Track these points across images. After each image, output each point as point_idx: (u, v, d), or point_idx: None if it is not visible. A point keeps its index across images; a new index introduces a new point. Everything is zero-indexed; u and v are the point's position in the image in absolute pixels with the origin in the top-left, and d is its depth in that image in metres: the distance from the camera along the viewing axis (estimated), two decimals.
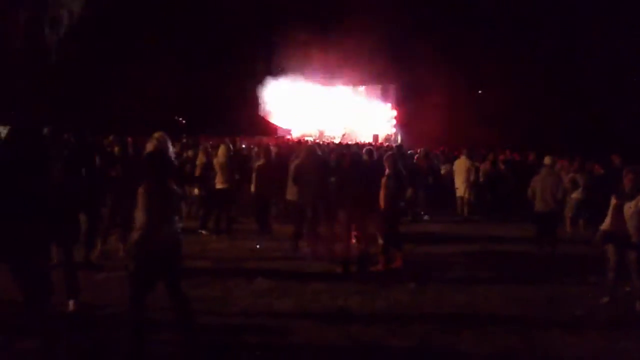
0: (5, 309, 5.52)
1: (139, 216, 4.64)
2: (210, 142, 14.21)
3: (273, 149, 12.39)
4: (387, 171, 8.64)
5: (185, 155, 12.62)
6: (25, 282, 4.45)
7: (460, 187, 13.78)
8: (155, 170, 4.79)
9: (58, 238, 5.79)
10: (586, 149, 16.14)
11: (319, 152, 9.82)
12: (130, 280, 4.72)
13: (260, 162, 10.73)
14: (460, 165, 13.86)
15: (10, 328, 5.26)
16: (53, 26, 29.06)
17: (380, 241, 9.16)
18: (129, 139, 9.54)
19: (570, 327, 6.08)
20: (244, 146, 14.98)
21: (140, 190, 4.67)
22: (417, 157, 14.09)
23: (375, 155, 10.16)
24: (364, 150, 10.26)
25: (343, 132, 36.72)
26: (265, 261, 8.64)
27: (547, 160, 9.82)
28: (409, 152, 16.44)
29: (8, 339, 5.08)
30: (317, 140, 27.78)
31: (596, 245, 7.15)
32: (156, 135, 6.67)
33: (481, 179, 14.08)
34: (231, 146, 11.16)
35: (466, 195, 13.69)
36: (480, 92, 32.30)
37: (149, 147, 6.68)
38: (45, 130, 7.19)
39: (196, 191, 11.38)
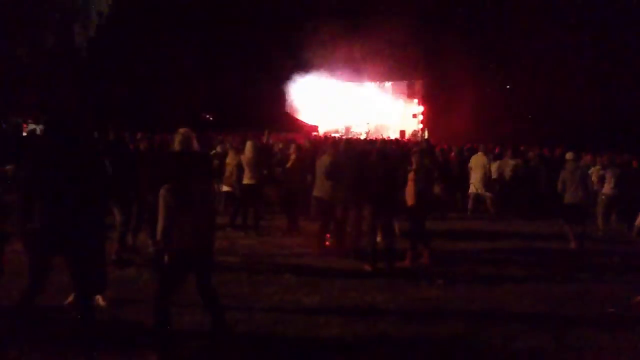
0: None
1: (160, 215, 4.69)
2: (231, 139, 14.30)
3: (303, 144, 12.42)
4: (413, 166, 8.63)
5: (214, 151, 12.76)
6: (82, 274, 4.58)
7: (475, 183, 13.37)
8: (181, 169, 4.82)
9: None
10: (617, 144, 15.87)
11: (355, 148, 9.75)
12: (158, 277, 4.79)
13: (291, 158, 10.76)
14: (477, 161, 13.57)
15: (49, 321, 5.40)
16: (83, 26, 29.54)
17: (399, 236, 9.17)
18: (157, 137, 9.68)
19: (603, 326, 5.98)
20: (271, 141, 14.98)
21: (162, 191, 4.69)
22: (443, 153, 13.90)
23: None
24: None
25: (367, 129, 36.64)
26: (294, 257, 8.69)
27: (568, 155, 10.50)
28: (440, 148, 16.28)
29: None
30: (344, 137, 27.76)
31: (635, 239, 7.03)
32: (181, 130, 6.74)
33: (508, 175, 13.84)
34: (257, 142, 11.20)
35: (483, 192, 13.33)
36: (508, 87, 31.90)
37: (175, 142, 6.75)
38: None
39: (224, 188, 11.47)
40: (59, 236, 4.51)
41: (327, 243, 9.22)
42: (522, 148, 16.66)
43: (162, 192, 4.69)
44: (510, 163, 13.97)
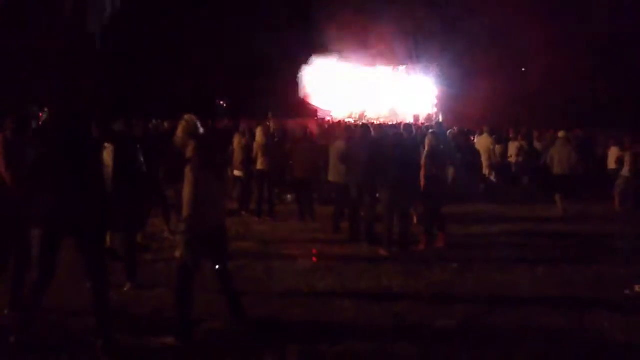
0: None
1: (187, 202, 4.76)
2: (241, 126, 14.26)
3: (315, 129, 12.40)
4: (427, 149, 8.58)
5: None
6: (94, 258, 4.67)
7: (484, 166, 13.22)
8: (201, 155, 4.87)
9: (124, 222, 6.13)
10: (631, 125, 15.68)
11: (372, 133, 9.70)
12: (179, 264, 4.86)
13: (304, 143, 10.75)
14: (482, 143, 13.36)
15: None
16: (97, 15, 29.62)
17: (415, 220, 9.14)
18: (165, 124, 9.71)
19: (618, 308, 5.94)
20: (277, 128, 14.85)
21: (187, 175, 4.77)
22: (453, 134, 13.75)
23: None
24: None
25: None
26: (308, 242, 8.72)
27: (561, 134, 11.76)
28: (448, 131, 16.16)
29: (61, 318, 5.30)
30: (358, 122, 27.63)
31: None
32: (186, 117, 6.76)
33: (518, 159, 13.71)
34: (268, 127, 11.18)
35: (488, 175, 13.16)
36: (523, 69, 31.52)
37: (179, 129, 6.75)
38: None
39: (236, 173, 11.50)
40: (66, 220, 4.58)
41: (342, 227, 9.24)
42: (535, 131, 16.53)
43: (187, 175, 4.75)
44: (514, 145, 13.85)
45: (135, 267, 6.36)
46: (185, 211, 4.78)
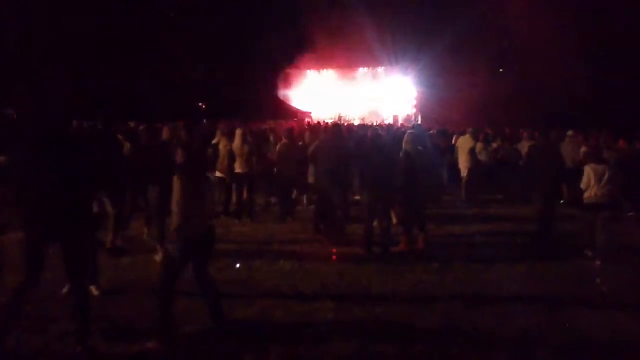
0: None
1: (177, 204, 4.75)
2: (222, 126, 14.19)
3: (296, 131, 12.39)
4: (404, 150, 8.59)
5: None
6: (75, 262, 4.60)
7: (462, 167, 13.12)
8: (189, 160, 4.85)
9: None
10: (610, 125, 15.94)
11: (344, 134, 9.67)
12: (165, 264, 4.83)
13: (283, 143, 10.74)
14: (464, 144, 13.26)
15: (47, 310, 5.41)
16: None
17: (395, 221, 9.17)
18: (141, 126, 9.64)
19: (596, 305, 6.05)
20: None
21: (176, 182, 4.77)
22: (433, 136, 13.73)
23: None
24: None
25: (361, 115, 36.46)
26: (289, 243, 8.70)
27: (537, 135, 11.86)
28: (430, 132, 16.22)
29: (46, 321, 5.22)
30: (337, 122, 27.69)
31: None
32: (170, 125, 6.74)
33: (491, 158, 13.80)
34: (246, 131, 11.14)
35: (465, 177, 13.03)
36: (502, 70, 31.86)
37: (164, 133, 6.71)
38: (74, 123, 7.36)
39: (217, 174, 11.43)
40: (51, 224, 4.51)
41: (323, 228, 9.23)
42: (507, 131, 16.74)
43: (176, 179, 4.74)
44: (492, 146, 13.94)
45: (99, 270, 6.26)
46: (176, 217, 4.76)
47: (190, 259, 4.91)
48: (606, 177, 7.84)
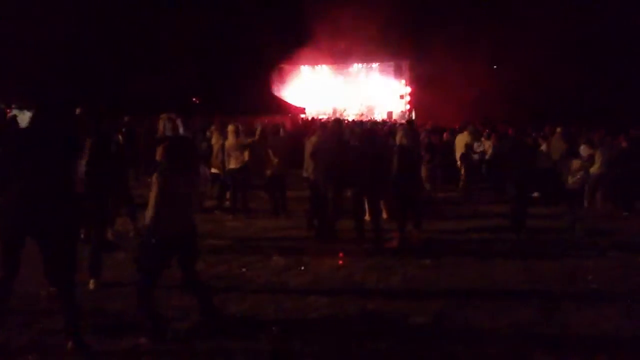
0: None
1: (150, 202, 4.68)
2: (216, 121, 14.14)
3: (289, 126, 12.39)
4: (395, 145, 8.60)
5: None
6: (56, 260, 4.51)
7: (458, 164, 13.29)
8: (171, 156, 4.77)
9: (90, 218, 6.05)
10: (604, 122, 16.00)
11: (342, 130, 9.63)
12: (140, 263, 4.79)
13: (275, 139, 10.71)
14: (460, 141, 13.40)
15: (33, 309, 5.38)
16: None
17: (385, 216, 9.16)
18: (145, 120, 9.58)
19: (587, 301, 6.07)
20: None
21: (154, 176, 4.69)
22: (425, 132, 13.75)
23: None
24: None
25: (358, 111, 36.46)
26: (281, 239, 8.69)
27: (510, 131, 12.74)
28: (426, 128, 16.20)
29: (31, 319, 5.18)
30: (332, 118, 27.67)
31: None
32: (163, 115, 6.66)
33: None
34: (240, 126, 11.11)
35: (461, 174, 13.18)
36: (495, 67, 31.89)
37: (160, 127, 6.65)
38: (77, 110, 7.29)
39: (213, 170, 11.41)
40: (29, 217, 4.44)
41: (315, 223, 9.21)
42: (499, 127, 16.80)
43: (154, 179, 4.67)
44: (486, 143, 13.97)
45: (101, 265, 6.24)
46: (148, 214, 4.70)
47: (166, 258, 4.83)
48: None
